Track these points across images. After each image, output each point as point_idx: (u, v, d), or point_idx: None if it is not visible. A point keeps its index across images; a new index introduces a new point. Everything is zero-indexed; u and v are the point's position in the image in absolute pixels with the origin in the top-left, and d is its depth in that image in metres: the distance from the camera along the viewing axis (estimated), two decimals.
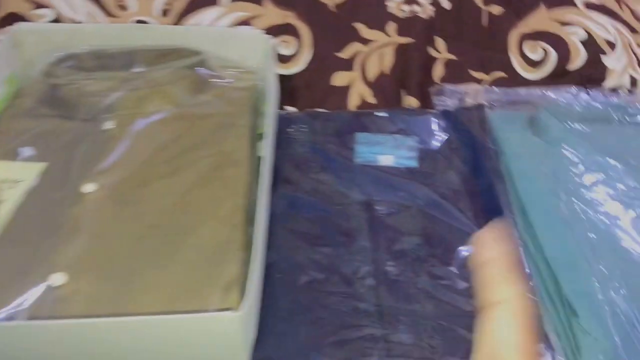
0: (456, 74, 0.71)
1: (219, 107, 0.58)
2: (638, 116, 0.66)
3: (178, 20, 0.69)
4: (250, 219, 0.49)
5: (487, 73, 0.72)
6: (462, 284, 0.51)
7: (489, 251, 0.29)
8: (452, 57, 0.71)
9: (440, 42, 0.72)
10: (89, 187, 0.50)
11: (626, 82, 0.72)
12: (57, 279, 0.43)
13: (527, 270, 0.52)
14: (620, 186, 0.58)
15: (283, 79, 0.69)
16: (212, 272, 0.45)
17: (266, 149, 0.51)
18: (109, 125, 0.55)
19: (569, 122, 0.64)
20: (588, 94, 0.68)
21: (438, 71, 0.71)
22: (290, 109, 0.68)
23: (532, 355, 0.26)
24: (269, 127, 0.54)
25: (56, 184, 0.50)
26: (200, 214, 0.48)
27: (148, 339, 0.39)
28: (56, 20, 0.68)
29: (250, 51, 0.64)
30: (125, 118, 0.55)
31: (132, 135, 0.53)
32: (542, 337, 0.48)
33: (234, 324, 0.39)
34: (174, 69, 0.59)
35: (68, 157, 0.52)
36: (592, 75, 0.71)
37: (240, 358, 0.41)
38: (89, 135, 0.54)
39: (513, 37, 0.73)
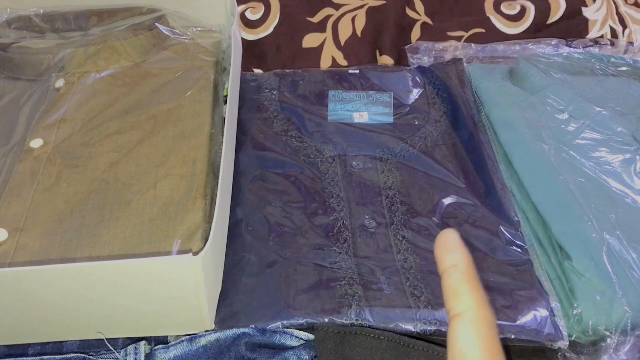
0: (434, 35, 0.68)
1: (181, 63, 0.54)
2: (621, 67, 0.63)
3: None
4: (216, 173, 0.45)
5: (466, 31, 0.69)
6: None
7: (451, 257, 0.27)
8: (429, 21, 0.69)
9: (419, 5, 0.69)
10: (35, 143, 0.46)
11: (607, 34, 0.69)
12: None
13: (516, 219, 0.49)
14: (608, 132, 0.55)
15: (252, 44, 0.65)
16: (171, 222, 0.41)
17: (230, 104, 0.47)
18: (59, 84, 0.51)
19: (551, 73, 0.61)
20: (569, 45, 0.66)
21: (416, 33, 0.68)
22: (259, 71, 0.64)
23: None
24: (234, 81, 0.50)
25: (1, 140, 0.46)
26: (155, 166, 0.45)
27: (102, 287, 0.35)
28: None
29: (213, 10, 0.60)
30: (75, 76, 0.51)
31: (82, 91, 0.50)
32: (534, 284, 0.45)
33: (193, 268, 0.35)
34: (130, 26, 0.55)
35: (14, 115, 0.48)
36: (572, 28, 0.68)
37: (201, 308, 0.37)
38: (38, 93, 0.50)
39: (489, 3, 0.70)
